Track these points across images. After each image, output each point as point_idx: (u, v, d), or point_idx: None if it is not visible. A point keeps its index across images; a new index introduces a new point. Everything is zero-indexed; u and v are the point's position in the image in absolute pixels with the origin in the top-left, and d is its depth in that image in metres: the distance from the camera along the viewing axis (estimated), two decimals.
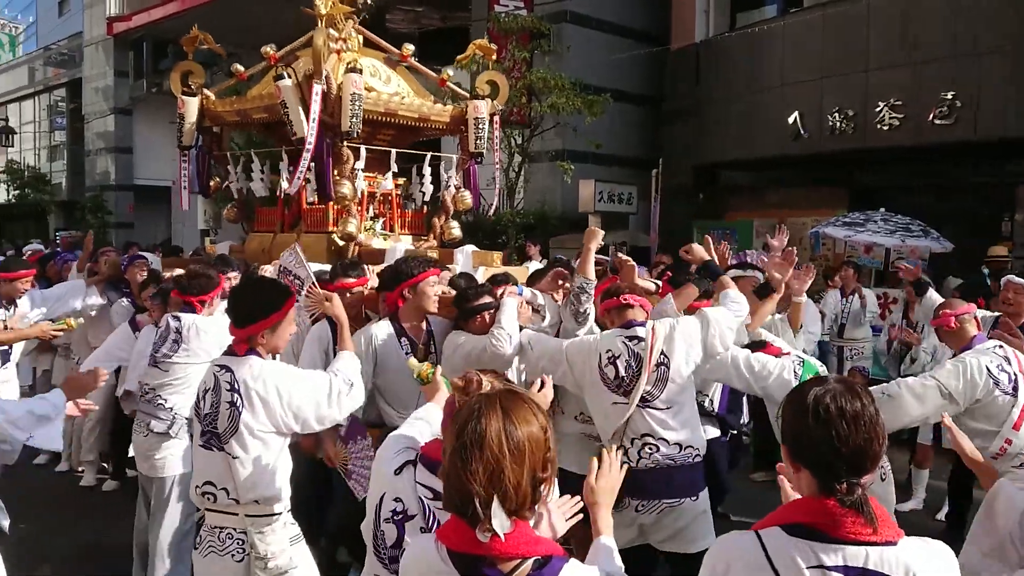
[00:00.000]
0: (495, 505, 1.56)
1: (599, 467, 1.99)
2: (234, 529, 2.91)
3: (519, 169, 13.36)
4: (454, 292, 4.16)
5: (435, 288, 4.04)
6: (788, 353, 3.95)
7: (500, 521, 1.56)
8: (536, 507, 1.68)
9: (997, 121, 10.24)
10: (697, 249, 4.24)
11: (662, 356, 3.50)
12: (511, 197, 13.44)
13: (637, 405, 3.44)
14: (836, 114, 11.81)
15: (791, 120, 12.34)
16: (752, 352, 3.87)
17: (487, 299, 3.99)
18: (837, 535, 1.61)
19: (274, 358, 3.12)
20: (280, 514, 2.96)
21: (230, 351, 3.01)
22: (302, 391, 2.99)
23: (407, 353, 3.93)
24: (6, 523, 3.15)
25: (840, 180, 13.26)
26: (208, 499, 2.96)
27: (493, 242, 11.99)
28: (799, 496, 1.74)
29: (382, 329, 3.98)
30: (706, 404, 4.38)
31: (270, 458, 2.93)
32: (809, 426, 1.66)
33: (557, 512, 1.97)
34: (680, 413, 3.53)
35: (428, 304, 4.02)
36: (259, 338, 2.97)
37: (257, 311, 2.95)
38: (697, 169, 14.43)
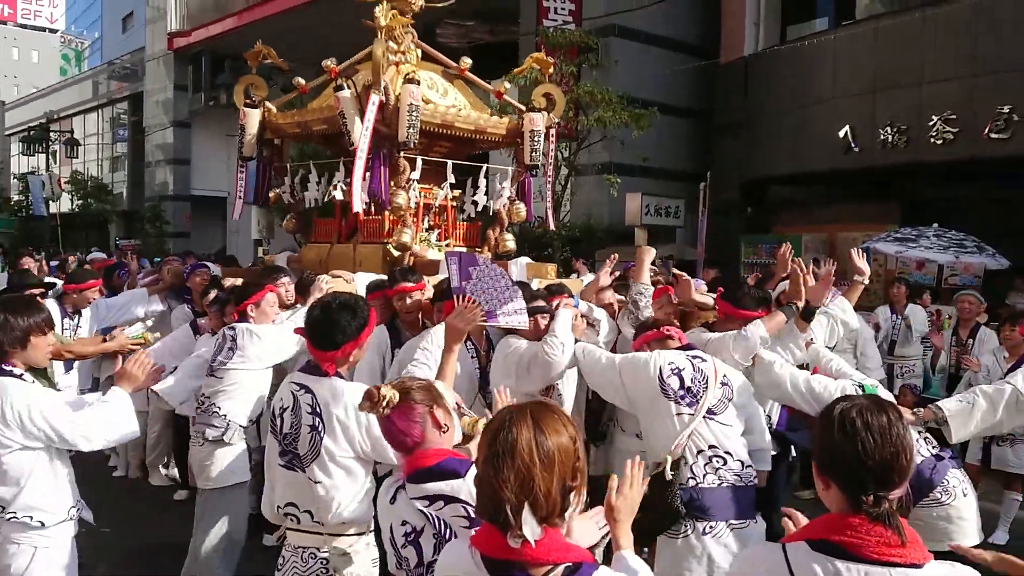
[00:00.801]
0: (526, 512, 1.62)
1: (619, 484, 2.01)
2: (317, 549, 2.88)
3: (565, 182, 13.45)
4: None
5: None
6: (847, 376, 3.90)
7: (531, 528, 1.62)
8: (566, 515, 1.72)
9: None
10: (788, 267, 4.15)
11: (724, 376, 3.44)
12: (557, 210, 13.53)
13: (704, 416, 3.32)
14: (888, 128, 11.66)
15: (842, 134, 12.21)
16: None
17: (540, 303, 3.92)
18: (861, 554, 1.64)
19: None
20: (363, 534, 2.93)
21: (311, 369, 2.95)
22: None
23: (473, 356, 3.95)
24: (89, 515, 3.27)
25: (891, 195, 13.06)
26: (291, 520, 2.93)
27: (539, 255, 12.07)
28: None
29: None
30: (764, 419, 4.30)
31: (353, 483, 2.87)
32: (836, 440, 1.71)
33: (589, 521, 2.02)
34: (744, 432, 3.43)
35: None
36: (349, 357, 2.94)
37: (350, 329, 2.91)
38: (745, 183, 14.34)
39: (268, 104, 5.93)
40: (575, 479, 1.71)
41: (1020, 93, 10.29)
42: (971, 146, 10.78)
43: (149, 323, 6.12)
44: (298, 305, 4.74)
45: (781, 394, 3.78)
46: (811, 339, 4.19)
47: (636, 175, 14.47)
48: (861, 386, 3.67)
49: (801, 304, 3.96)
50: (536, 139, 5.75)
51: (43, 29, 63.48)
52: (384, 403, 2.19)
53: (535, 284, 4.93)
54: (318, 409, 2.84)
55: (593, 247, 13.62)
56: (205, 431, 4.13)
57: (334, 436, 2.83)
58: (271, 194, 6.18)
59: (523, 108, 5.93)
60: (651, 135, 13.31)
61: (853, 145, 12.16)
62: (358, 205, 5.17)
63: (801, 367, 3.96)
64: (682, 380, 3.33)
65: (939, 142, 11.11)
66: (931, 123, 11.15)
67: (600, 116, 12.04)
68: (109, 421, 3.06)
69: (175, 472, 6.44)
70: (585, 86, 12.57)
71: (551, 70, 6.26)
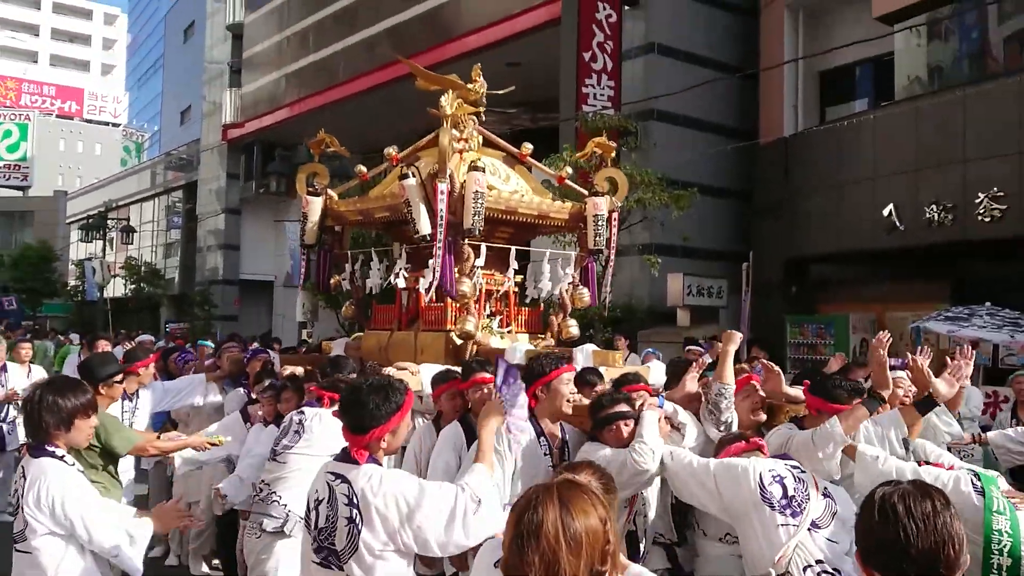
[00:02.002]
0: None
1: None
2: None
3: (606, 263, 13.44)
4: (586, 401, 3.89)
5: (569, 387, 3.78)
6: (952, 468, 3.56)
7: None
8: None
9: None
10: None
11: (825, 488, 3.26)
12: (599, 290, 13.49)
13: (808, 528, 3.11)
14: (934, 206, 11.52)
15: (886, 212, 12.08)
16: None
17: (624, 407, 3.66)
18: None
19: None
20: None
21: (345, 457, 2.82)
22: (426, 508, 2.68)
23: (546, 453, 3.69)
24: None
25: (940, 273, 12.80)
26: None
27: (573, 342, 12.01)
28: None
29: (523, 429, 3.67)
30: None
31: None
32: (876, 526, 1.62)
33: None
34: (851, 551, 3.10)
35: (562, 403, 3.74)
36: (380, 443, 2.80)
37: (380, 413, 2.76)
38: (788, 262, 14.21)
39: (330, 192, 5.97)
40: (604, 563, 1.62)
41: None
42: (1020, 223, 10.57)
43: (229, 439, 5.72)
44: None
45: None
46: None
47: (678, 255, 14.45)
48: (977, 475, 3.37)
49: (887, 394, 3.70)
50: (599, 223, 5.68)
51: (107, 123, 66.80)
52: None
53: (603, 371, 4.71)
54: (355, 500, 2.68)
55: (634, 327, 13.52)
56: (263, 522, 4.00)
57: (372, 528, 2.66)
58: (332, 280, 6.14)
59: (585, 192, 5.88)
60: (692, 216, 13.33)
61: (898, 224, 12.02)
62: (427, 295, 5.16)
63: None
64: (785, 489, 3.14)
65: (987, 219, 10.92)
66: (978, 200, 11.00)
67: (640, 197, 12.12)
68: (127, 542, 3.02)
69: (217, 564, 6.20)
70: (624, 168, 12.69)
71: (612, 154, 6.20)
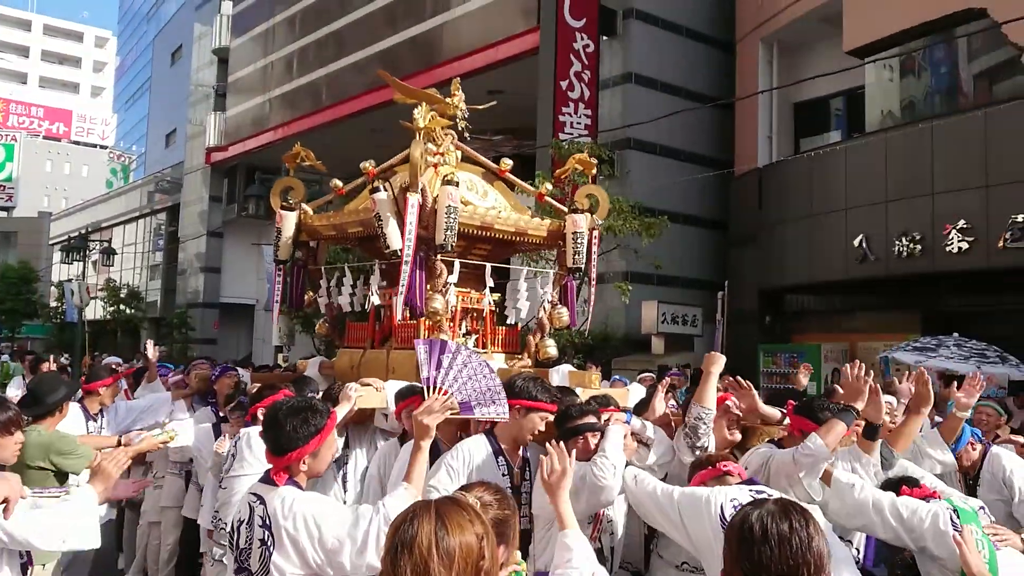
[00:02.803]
0: None
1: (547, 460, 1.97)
2: None
3: (578, 290, 13.46)
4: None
5: (541, 425, 3.59)
6: (936, 494, 3.39)
7: None
8: None
9: None
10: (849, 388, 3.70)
11: None
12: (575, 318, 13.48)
13: None
14: (904, 238, 11.63)
15: (857, 243, 12.19)
16: (898, 494, 3.32)
17: (592, 419, 3.53)
18: None
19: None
20: None
21: (267, 479, 2.79)
22: (336, 531, 2.64)
23: (505, 473, 3.54)
24: None
25: (911, 303, 12.91)
26: None
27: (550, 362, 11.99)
28: None
29: (479, 446, 3.57)
30: (852, 553, 3.71)
31: None
32: (734, 547, 1.61)
33: None
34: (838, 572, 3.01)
35: (526, 436, 3.60)
36: (300, 465, 2.76)
37: (299, 435, 2.72)
38: (763, 292, 14.29)
39: (304, 206, 5.80)
40: None
41: None
42: (987, 255, 10.68)
43: (167, 421, 5.69)
44: None
45: (865, 523, 3.32)
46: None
47: (653, 283, 14.50)
48: (956, 511, 3.19)
49: (861, 406, 3.58)
50: (579, 241, 5.49)
51: (94, 145, 66.79)
52: None
53: (579, 393, 4.53)
54: (268, 522, 2.66)
55: (609, 355, 13.52)
56: (213, 549, 3.97)
57: (283, 551, 2.63)
58: (306, 297, 5.96)
59: (564, 210, 5.70)
60: (668, 244, 13.39)
61: (869, 254, 12.11)
62: (400, 314, 4.96)
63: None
64: None
65: (955, 251, 11.03)
66: (946, 232, 11.12)
67: (611, 224, 12.17)
68: (66, 523, 2.91)
69: None
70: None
71: (594, 171, 6.02)
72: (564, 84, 14.81)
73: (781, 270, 13.78)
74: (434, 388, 3.13)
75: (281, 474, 2.76)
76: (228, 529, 2.89)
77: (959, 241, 10.97)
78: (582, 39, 15.15)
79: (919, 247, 11.47)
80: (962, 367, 9.48)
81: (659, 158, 15.24)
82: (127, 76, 61.37)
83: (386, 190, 5.04)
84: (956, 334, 9.98)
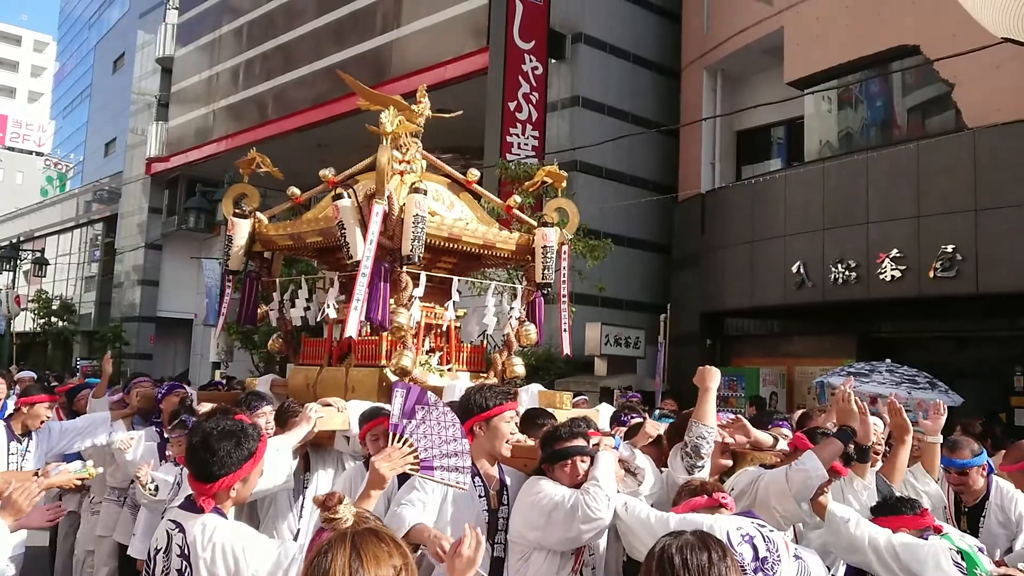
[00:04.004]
0: None
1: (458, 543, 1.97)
2: None
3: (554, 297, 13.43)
4: (530, 441, 3.59)
5: (511, 426, 3.49)
6: (936, 525, 3.29)
7: None
8: None
9: (999, 275, 10.27)
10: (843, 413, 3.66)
11: (796, 550, 2.95)
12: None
13: None
14: (839, 264, 11.93)
15: (795, 269, 12.46)
16: (896, 515, 3.25)
17: (582, 442, 3.33)
18: None
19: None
20: None
21: (189, 505, 2.66)
22: (256, 566, 2.54)
23: (481, 495, 3.40)
24: None
25: (846, 329, 13.22)
26: None
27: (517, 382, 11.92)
28: None
29: None
30: None
31: None
32: None
33: None
34: None
35: (501, 445, 3.46)
36: (228, 492, 2.66)
37: (231, 460, 2.62)
38: (704, 315, 14.49)
39: (259, 214, 5.50)
40: None
41: (962, 233, 10.62)
42: (918, 284, 11.00)
43: (91, 464, 5.57)
44: None
45: (861, 560, 3.19)
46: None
47: (597, 305, 14.57)
48: (960, 551, 3.07)
49: (856, 425, 3.52)
50: (548, 255, 5.29)
51: (30, 152, 64.74)
52: (334, 516, 2.06)
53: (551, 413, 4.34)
54: (186, 552, 2.55)
55: (552, 376, 13.52)
56: None
57: None
58: (259, 311, 5.60)
59: (534, 224, 5.50)
60: (613, 267, 13.48)
61: (806, 281, 12.38)
62: (352, 330, 4.63)
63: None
64: (756, 550, 2.80)
65: (888, 279, 11.34)
66: (879, 260, 11.42)
67: None
68: None
69: None
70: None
71: (563, 184, 5.83)
72: (512, 105, 14.87)
73: (722, 294, 14.00)
74: (400, 437, 2.96)
75: (208, 501, 2.63)
76: (145, 558, 2.76)
77: (892, 269, 11.28)
78: (531, 61, 15.26)
79: (854, 274, 11.76)
80: (894, 392, 9.73)
81: (605, 181, 15.39)
82: (66, 82, 59.75)
83: (350, 196, 4.79)
84: (888, 360, 10.24)
